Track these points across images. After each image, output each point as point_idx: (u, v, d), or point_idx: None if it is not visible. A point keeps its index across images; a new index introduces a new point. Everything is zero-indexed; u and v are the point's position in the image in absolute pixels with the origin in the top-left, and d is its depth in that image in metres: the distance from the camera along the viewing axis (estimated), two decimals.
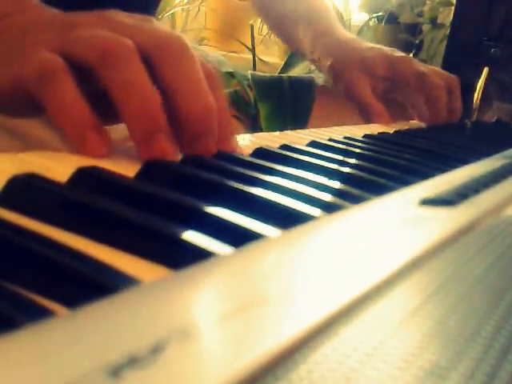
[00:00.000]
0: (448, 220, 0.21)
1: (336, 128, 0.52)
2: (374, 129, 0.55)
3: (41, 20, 0.31)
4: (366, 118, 0.64)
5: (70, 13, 0.31)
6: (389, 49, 0.68)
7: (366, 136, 0.48)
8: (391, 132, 0.55)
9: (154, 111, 0.27)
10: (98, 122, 0.27)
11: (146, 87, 0.27)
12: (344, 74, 0.65)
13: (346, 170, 0.32)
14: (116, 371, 0.09)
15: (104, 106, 0.27)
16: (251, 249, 0.16)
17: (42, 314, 0.13)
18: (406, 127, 0.61)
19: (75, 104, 0.26)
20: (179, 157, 0.28)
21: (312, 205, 0.23)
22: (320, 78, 1.44)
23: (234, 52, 1.68)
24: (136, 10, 0.35)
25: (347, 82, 0.65)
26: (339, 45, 0.67)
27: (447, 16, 1.62)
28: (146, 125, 0.27)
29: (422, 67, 0.66)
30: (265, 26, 1.60)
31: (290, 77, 1.47)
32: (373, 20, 1.85)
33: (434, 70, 0.69)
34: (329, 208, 0.23)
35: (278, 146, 0.37)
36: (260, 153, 0.33)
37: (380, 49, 0.67)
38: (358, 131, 0.51)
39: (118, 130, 0.61)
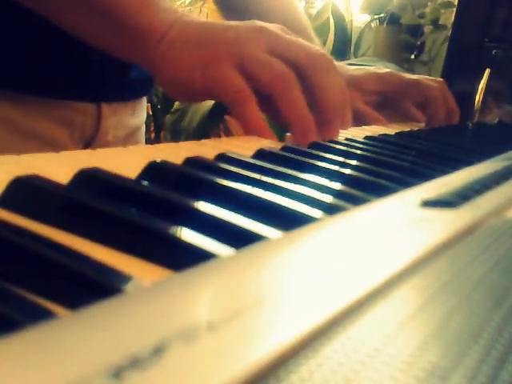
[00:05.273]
0: (449, 222, 0.21)
1: None
2: (375, 130, 0.55)
3: (212, 30, 0.43)
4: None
5: (228, 25, 0.43)
6: (374, 67, 0.71)
7: (366, 137, 0.48)
8: (392, 133, 0.55)
9: (310, 120, 0.42)
10: (269, 128, 0.42)
11: (304, 104, 0.42)
12: None
13: (347, 171, 0.32)
14: (117, 372, 0.09)
15: None
16: (252, 250, 0.16)
17: (44, 315, 0.13)
18: (407, 129, 0.61)
19: (257, 117, 0.42)
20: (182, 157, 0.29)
21: (313, 206, 0.23)
22: None
23: None
24: None
25: None
26: None
27: (449, 17, 1.62)
28: (304, 127, 0.42)
29: (411, 76, 0.70)
30: None
31: None
32: (374, 21, 1.86)
33: (422, 76, 0.72)
34: (330, 209, 0.23)
35: (279, 147, 0.37)
36: (261, 154, 0.33)
37: (365, 68, 0.70)
38: (359, 132, 0.51)
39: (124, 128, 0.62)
